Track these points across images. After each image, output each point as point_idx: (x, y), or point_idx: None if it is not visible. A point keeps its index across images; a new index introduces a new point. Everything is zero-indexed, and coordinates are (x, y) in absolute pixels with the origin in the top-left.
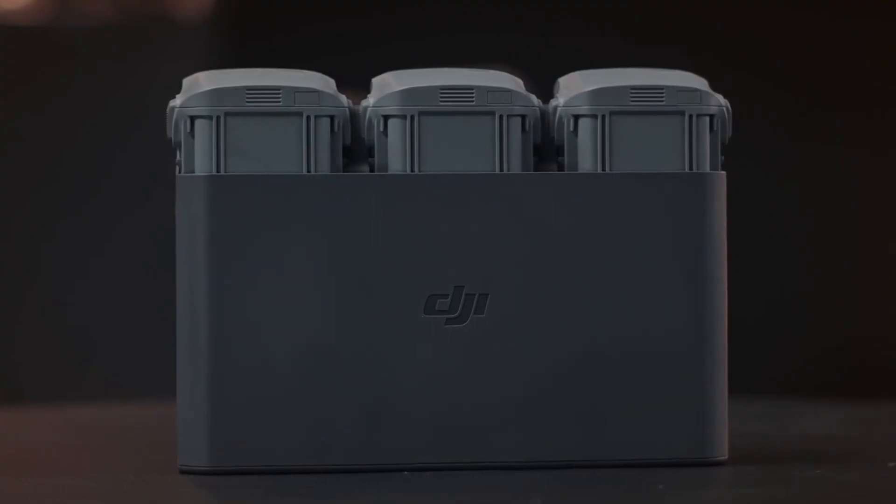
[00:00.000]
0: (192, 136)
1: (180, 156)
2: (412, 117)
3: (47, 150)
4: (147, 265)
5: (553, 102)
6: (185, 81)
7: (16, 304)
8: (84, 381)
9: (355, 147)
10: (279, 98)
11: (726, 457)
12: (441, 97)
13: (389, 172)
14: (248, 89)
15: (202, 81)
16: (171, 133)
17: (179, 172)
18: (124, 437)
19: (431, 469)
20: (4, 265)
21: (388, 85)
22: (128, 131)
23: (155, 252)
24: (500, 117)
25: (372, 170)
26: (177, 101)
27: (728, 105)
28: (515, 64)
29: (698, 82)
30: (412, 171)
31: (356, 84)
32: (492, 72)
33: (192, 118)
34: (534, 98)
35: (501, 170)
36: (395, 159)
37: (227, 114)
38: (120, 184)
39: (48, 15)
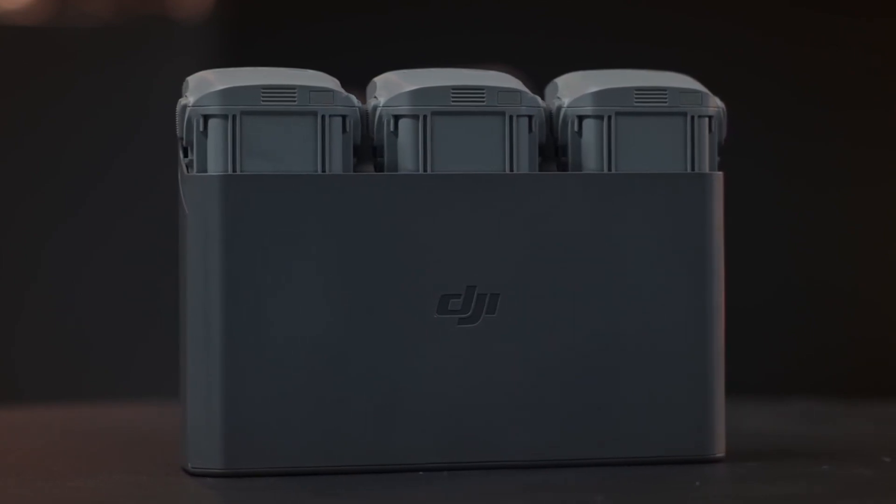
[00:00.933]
0: (205, 135)
1: (191, 155)
2: (425, 117)
3: (47, 151)
4: (147, 265)
5: (556, 103)
6: (191, 80)
7: (15, 304)
8: (83, 381)
9: (362, 146)
10: (294, 97)
11: (724, 454)
12: (453, 97)
13: (400, 172)
14: (263, 88)
15: (213, 80)
16: (181, 132)
17: (188, 171)
18: (126, 438)
19: (445, 469)
20: (4, 265)
21: (395, 85)
22: (127, 131)
23: (155, 252)
24: (511, 118)
25: (378, 169)
26: (189, 100)
27: (724, 106)
28: (514, 64)
29: (695, 83)
30: (424, 170)
31: (352, 83)
32: (494, 72)
33: (206, 117)
34: (539, 99)
35: (511, 170)
36: (406, 158)
37: (242, 113)
38: (120, 184)
39: (48, 15)
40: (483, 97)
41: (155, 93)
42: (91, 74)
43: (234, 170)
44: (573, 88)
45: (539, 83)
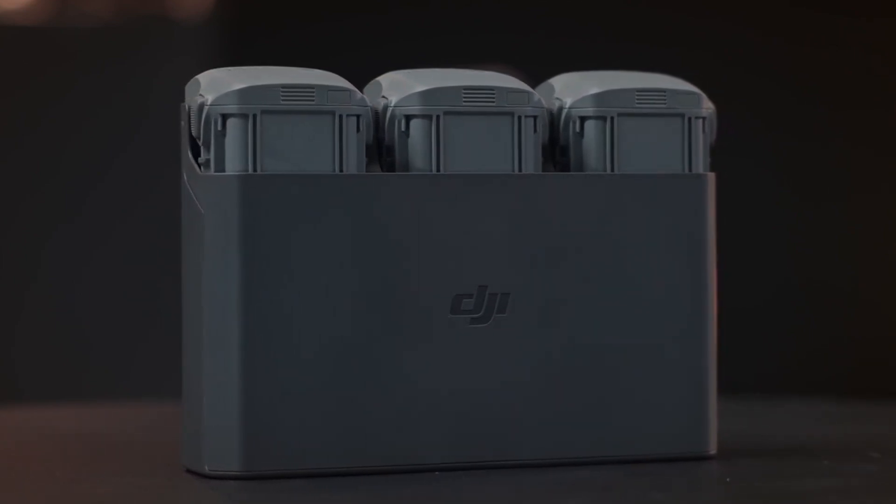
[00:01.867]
0: (224, 134)
1: (206, 154)
2: (437, 117)
3: (47, 151)
4: (147, 265)
5: (557, 104)
6: (202, 79)
7: (15, 304)
8: (83, 381)
9: (371, 146)
10: (313, 97)
11: (715, 451)
12: (464, 97)
13: (411, 171)
14: (283, 87)
15: (229, 79)
16: (197, 131)
17: (203, 171)
18: (126, 438)
19: (459, 469)
20: (4, 265)
21: (405, 85)
22: (127, 131)
23: (155, 252)
24: (519, 118)
25: (387, 168)
26: (206, 99)
27: (714, 108)
28: (514, 64)
29: (688, 85)
30: (437, 170)
31: (352, 83)
32: (496, 73)
33: (225, 116)
34: (543, 99)
35: (518, 169)
36: (418, 158)
37: (262, 112)
38: (120, 184)
39: (48, 15)
40: (493, 97)
41: (155, 93)
42: (91, 74)
43: (253, 169)
44: (573, 89)
45: (539, 83)
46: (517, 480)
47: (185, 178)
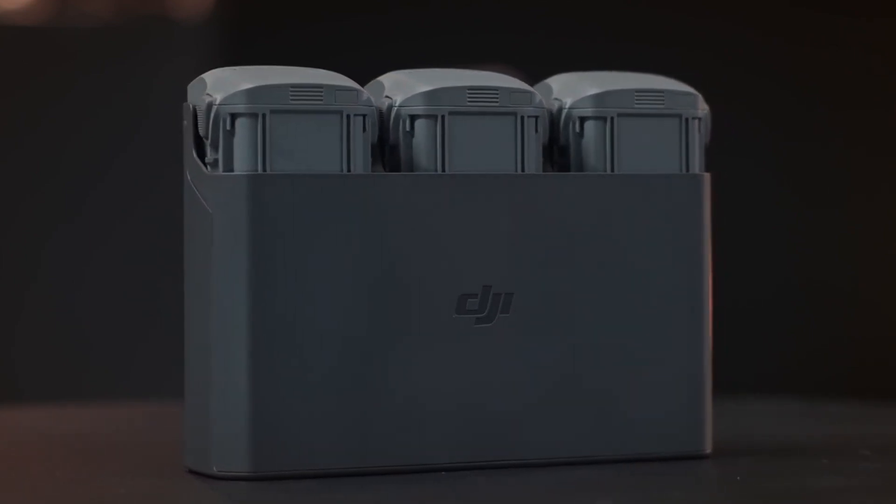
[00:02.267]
0: (232, 134)
1: (213, 154)
2: (442, 117)
3: (47, 151)
4: (147, 265)
5: (556, 104)
6: (208, 78)
7: (15, 304)
8: (83, 381)
9: (375, 145)
10: (321, 96)
11: (710, 451)
12: (468, 97)
13: (415, 171)
14: (292, 87)
15: (237, 78)
16: (205, 130)
17: (210, 170)
18: (126, 438)
19: (465, 468)
20: (4, 265)
21: (408, 85)
22: (127, 131)
23: (155, 252)
24: (521, 118)
25: (391, 168)
26: (215, 98)
27: (708, 108)
28: (514, 64)
29: (684, 86)
30: (442, 170)
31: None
32: (496, 73)
33: (234, 115)
34: (544, 100)
35: (522, 170)
36: (422, 158)
37: (271, 111)
38: (120, 184)
39: (48, 15)
40: (497, 98)
41: (155, 93)
42: (91, 74)
43: (262, 169)
44: (572, 90)
45: (538, 83)
46: (519, 480)
47: (190, 178)
